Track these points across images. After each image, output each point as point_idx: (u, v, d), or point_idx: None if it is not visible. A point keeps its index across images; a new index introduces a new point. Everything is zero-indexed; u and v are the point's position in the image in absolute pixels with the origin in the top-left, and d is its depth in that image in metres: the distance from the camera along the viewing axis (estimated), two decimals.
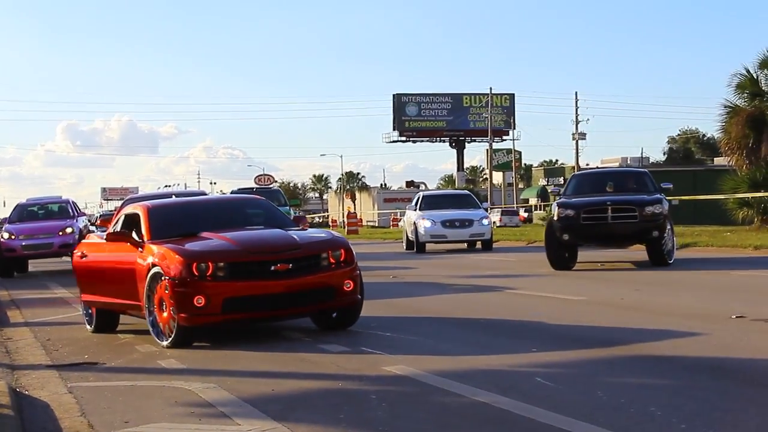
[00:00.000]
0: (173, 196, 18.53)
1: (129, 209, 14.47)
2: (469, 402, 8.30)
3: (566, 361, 10.33)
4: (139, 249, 12.64)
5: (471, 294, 17.88)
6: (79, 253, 14.48)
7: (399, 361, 10.43)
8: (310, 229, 14.21)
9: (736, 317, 12.65)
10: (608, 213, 21.70)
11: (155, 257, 12.10)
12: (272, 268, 11.87)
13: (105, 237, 14.11)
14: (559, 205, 23.10)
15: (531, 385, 8.91)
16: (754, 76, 38.37)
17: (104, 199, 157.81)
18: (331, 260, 12.31)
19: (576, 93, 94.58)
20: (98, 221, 36.86)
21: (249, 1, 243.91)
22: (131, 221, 13.79)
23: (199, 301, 11.50)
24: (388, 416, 7.96)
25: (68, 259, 28.29)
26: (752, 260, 23.84)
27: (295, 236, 12.66)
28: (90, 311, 14.30)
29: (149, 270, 12.13)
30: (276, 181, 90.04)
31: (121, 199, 37.34)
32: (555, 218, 22.44)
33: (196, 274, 11.56)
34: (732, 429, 6.92)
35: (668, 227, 21.74)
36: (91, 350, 12.53)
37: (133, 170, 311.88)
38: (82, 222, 31.76)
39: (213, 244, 12.23)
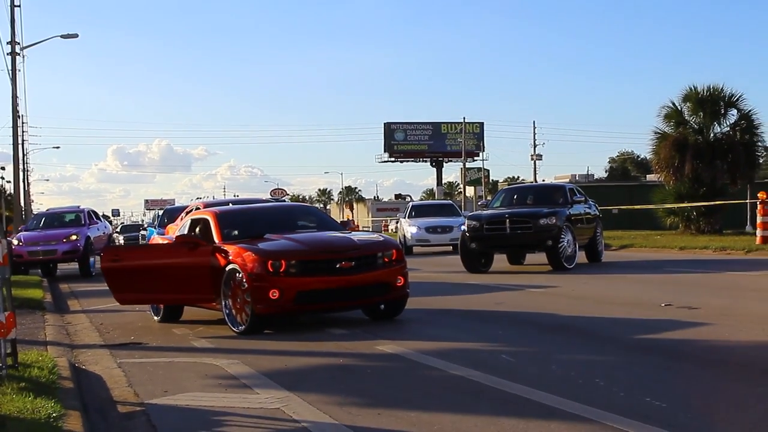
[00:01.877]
0: (230, 204, 18.32)
1: (194, 215, 14.14)
2: (448, 375, 8.30)
3: (526, 341, 10.34)
4: (211, 250, 12.13)
5: (448, 285, 17.86)
6: (115, 258, 12.83)
7: (390, 342, 10.42)
8: (359, 232, 13.83)
9: (665, 305, 12.67)
10: (506, 224, 21.03)
11: (231, 256, 11.74)
12: (337, 265, 11.62)
13: (174, 240, 13.38)
14: (468, 218, 22.81)
15: (497, 361, 8.90)
16: (679, 108, 38.38)
17: (147, 209, 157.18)
18: (385, 259, 12.04)
19: (534, 122, 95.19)
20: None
21: (265, 43, 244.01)
22: (197, 226, 13.55)
23: (274, 294, 11.26)
24: (380, 386, 7.95)
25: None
26: (677, 260, 23.85)
27: (353, 238, 12.41)
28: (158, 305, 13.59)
29: (225, 267, 11.78)
30: (288, 194, 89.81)
31: (161, 209, 36.84)
32: (465, 229, 21.90)
33: (271, 270, 11.32)
34: (662, 396, 6.92)
35: (565, 236, 20.80)
36: (137, 333, 12.50)
37: (171, 185, 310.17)
38: (99, 230, 29.34)
39: (282, 244, 11.89)
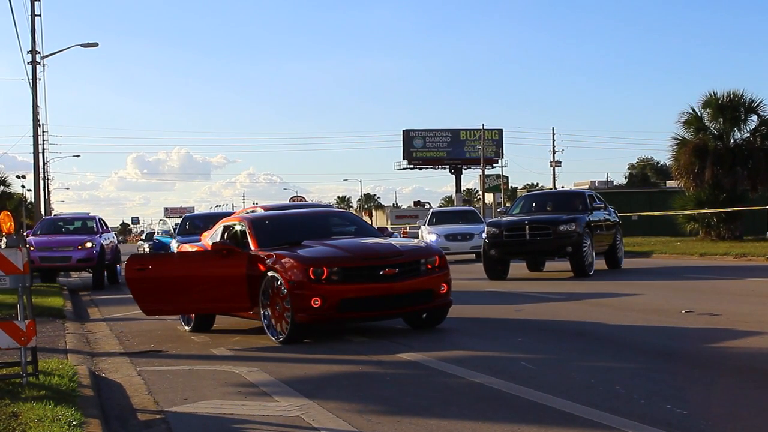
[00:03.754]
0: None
1: (227, 222, 13.78)
2: (467, 382, 8.28)
3: (546, 348, 10.30)
4: (248, 257, 11.78)
5: (466, 294, 17.84)
6: (141, 267, 12.21)
7: (409, 348, 10.41)
8: (410, 239, 13.57)
9: (686, 312, 12.60)
10: (526, 231, 21.01)
11: (270, 263, 11.45)
12: (381, 272, 11.25)
13: (211, 247, 12.64)
14: (488, 225, 22.76)
15: (517, 368, 8.87)
16: (699, 114, 38.33)
17: (166, 217, 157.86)
18: (428, 266, 11.67)
19: (553, 128, 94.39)
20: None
21: (285, 51, 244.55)
22: (230, 232, 13.24)
23: (316, 302, 10.95)
24: (399, 393, 7.94)
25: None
26: (698, 266, 23.74)
27: (395, 244, 12.08)
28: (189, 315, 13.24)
29: (264, 275, 11.52)
30: (307, 202, 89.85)
31: (179, 217, 36.74)
32: (485, 236, 21.90)
33: (313, 277, 10.99)
34: (682, 403, 6.88)
35: (585, 243, 20.75)
36: (156, 341, 12.52)
37: (190, 193, 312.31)
38: (108, 239, 27.11)
39: (323, 251, 11.52)
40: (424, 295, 11.65)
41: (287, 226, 13.20)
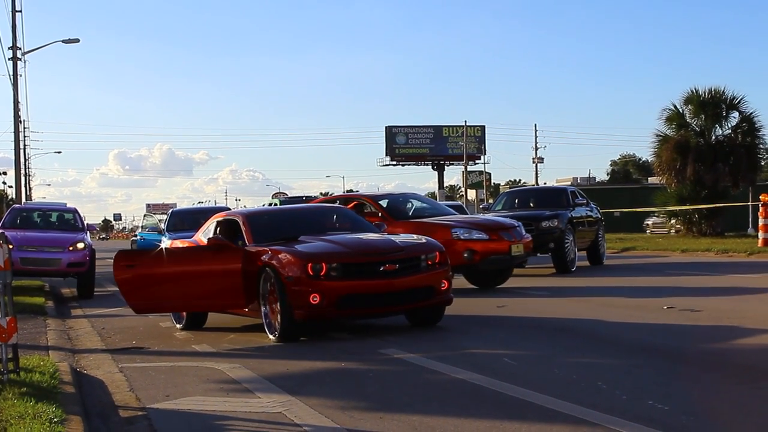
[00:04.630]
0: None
1: (219, 217, 13.38)
2: (449, 378, 8.28)
3: (528, 344, 10.33)
4: (243, 253, 11.48)
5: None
6: (130, 264, 11.95)
7: (392, 345, 10.40)
8: (409, 234, 13.05)
9: (668, 308, 12.66)
10: None
11: (266, 259, 11.14)
12: (381, 268, 10.90)
13: (206, 242, 12.33)
14: None
15: (500, 364, 8.88)
16: (680, 110, 38.42)
17: (147, 213, 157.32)
18: (429, 262, 11.32)
19: (535, 125, 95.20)
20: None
21: (266, 46, 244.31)
22: (224, 228, 12.92)
23: (315, 298, 10.61)
24: (382, 390, 7.94)
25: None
26: (679, 262, 23.85)
27: (395, 240, 11.75)
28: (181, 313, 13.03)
29: (260, 271, 11.25)
30: (288, 198, 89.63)
31: (162, 213, 36.17)
32: None
33: (312, 273, 10.66)
34: (664, 398, 6.91)
35: (568, 239, 20.79)
36: (138, 337, 12.47)
37: (172, 189, 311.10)
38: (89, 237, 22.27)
39: (321, 246, 11.24)
40: (424, 291, 11.34)
41: (283, 221, 13.00)
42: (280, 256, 11.04)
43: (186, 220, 23.63)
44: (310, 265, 10.73)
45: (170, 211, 27.11)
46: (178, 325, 13.18)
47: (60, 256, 20.06)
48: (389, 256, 11.10)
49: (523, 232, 17.81)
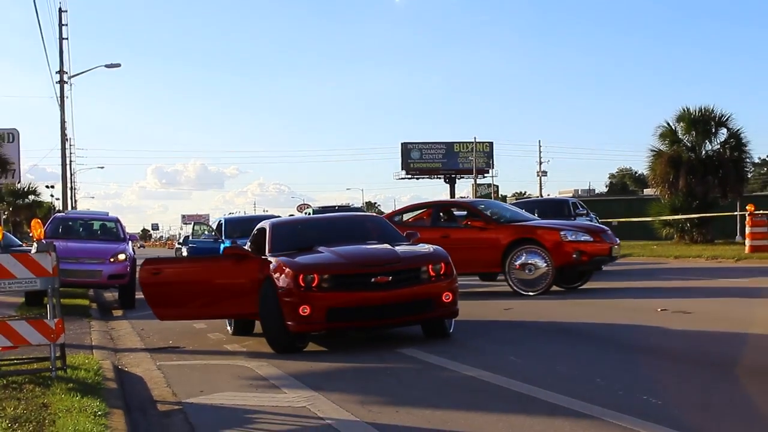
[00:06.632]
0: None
1: (260, 225, 12.64)
2: (460, 375, 8.29)
3: (532, 344, 10.32)
4: (260, 262, 10.95)
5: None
6: (156, 271, 11.37)
7: (408, 344, 10.42)
8: (419, 244, 11.72)
9: (661, 310, 12.61)
10: None
11: (270, 269, 10.49)
12: (372, 280, 9.92)
13: (222, 252, 11.81)
14: None
15: (506, 362, 8.89)
16: (673, 127, 38.29)
17: (183, 224, 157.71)
18: (431, 273, 10.21)
19: (539, 141, 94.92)
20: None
21: (291, 69, 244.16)
22: (259, 236, 12.27)
23: (305, 310, 9.79)
24: (398, 386, 7.97)
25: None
26: (673, 268, 23.74)
27: (397, 251, 10.67)
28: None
29: (263, 281, 10.61)
30: (311, 208, 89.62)
31: (196, 223, 36.06)
32: None
33: (303, 285, 9.87)
34: (657, 394, 6.90)
35: None
36: (174, 338, 12.50)
37: (205, 201, 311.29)
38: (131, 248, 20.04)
39: (321, 257, 10.45)
40: (422, 304, 10.23)
41: (304, 230, 12.34)
42: (279, 266, 10.38)
43: (237, 228, 22.84)
44: (301, 276, 9.95)
45: (223, 219, 25.76)
46: (229, 329, 12.59)
47: (101, 267, 18.26)
48: (383, 267, 10.11)
49: (614, 236, 17.58)
